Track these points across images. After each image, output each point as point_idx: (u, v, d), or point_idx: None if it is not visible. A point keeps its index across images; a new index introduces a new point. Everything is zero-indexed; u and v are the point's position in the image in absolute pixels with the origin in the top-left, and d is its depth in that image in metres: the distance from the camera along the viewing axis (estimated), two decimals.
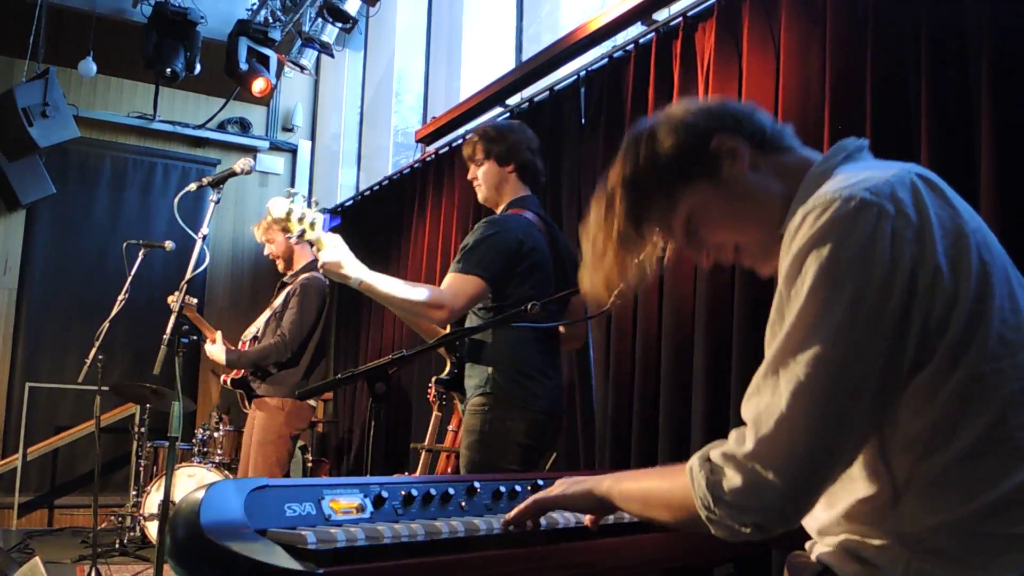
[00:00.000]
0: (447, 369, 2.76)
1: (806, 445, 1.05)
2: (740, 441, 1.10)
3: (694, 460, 1.16)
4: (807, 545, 1.26)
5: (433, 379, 2.77)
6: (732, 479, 1.08)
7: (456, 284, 2.48)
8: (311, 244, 2.48)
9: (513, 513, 1.37)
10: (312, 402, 4.52)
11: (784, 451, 1.05)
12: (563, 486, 1.38)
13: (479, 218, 4.79)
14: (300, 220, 2.45)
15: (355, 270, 2.40)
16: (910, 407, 1.09)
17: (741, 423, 1.13)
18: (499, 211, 2.81)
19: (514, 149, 2.75)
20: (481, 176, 2.81)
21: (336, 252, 2.40)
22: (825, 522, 1.19)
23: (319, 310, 4.49)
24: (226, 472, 5.19)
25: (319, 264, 2.45)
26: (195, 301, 4.64)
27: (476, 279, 2.48)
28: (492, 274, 2.51)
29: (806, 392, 1.05)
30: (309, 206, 2.48)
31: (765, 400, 1.09)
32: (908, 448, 1.09)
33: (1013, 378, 1.08)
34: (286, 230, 2.51)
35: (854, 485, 1.15)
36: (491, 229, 2.59)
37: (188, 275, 3.02)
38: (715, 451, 1.13)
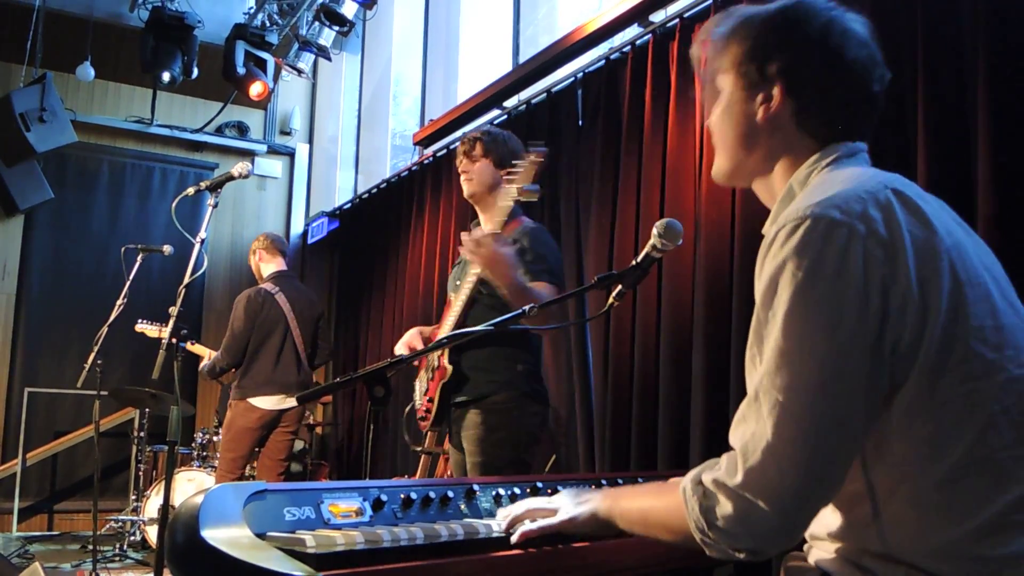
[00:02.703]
0: (450, 374, 2.75)
1: (795, 474, 1.04)
2: (731, 470, 1.09)
3: (687, 482, 1.15)
4: (805, 548, 1.26)
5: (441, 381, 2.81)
6: (724, 507, 1.09)
7: (552, 293, 2.58)
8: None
9: (517, 536, 1.36)
10: (259, 402, 4.67)
11: (773, 481, 1.05)
12: (567, 506, 1.38)
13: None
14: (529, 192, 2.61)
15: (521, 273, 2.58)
16: (891, 429, 1.08)
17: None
18: (485, 212, 2.86)
19: (513, 157, 2.81)
20: (475, 171, 2.85)
21: (510, 252, 2.55)
22: (816, 531, 1.19)
23: (250, 317, 4.76)
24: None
25: (481, 249, 2.52)
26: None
27: (557, 288, 2.65)
28: (560, 281, 2.73)
29: (791, 420, 1.05)
30: None
31: (751, 428, 1.08)
32: (894, 469, 1.08)
33: (992, 399, 1.06)
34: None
35: (837, 503, 1.14)
36: (549, 240, 2.81)
37: (186, 279, 3.02)
38: (707, 475, 1.13)
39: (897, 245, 1.07)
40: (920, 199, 1.15)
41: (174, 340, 2.97)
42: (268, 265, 5.02)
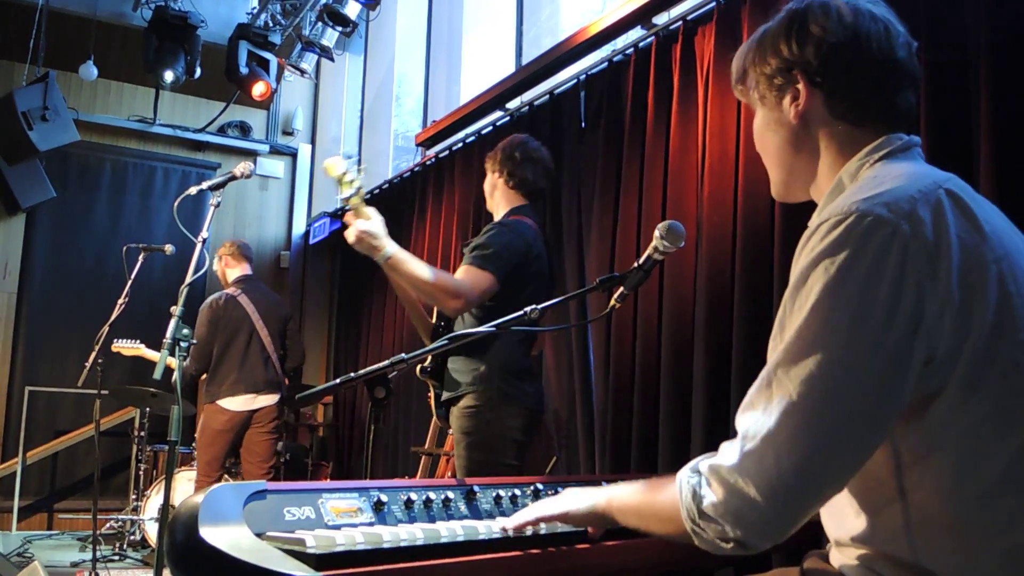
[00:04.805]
0: (428, 359, 2.77)
1: (791, 466, 1.02)
2: (729, 453, 1.08)
3: (684, 471, 1.15)
4: (826, 547, 1.23)
5: (417, 368, 2.79)
6: (715, 493, 1.07)
7: (472, 277, 2.55)
8: (347, 212, 2.54)
9: (514, 523, 1.36)
10: (227, 403, 4.73)
11: (769, 469, 1.03)
12: (566, 500, 1.37)
13: (478, 221, 4.81)
14: (351, 183, 2.50)
15: (390, 244, 2.49)
16: (928, 438, 1.05)
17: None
18: (496, 216, 2.87)
19: (506, 159, 2.85)
20: (485, 186, 2.94)
21: (375, 224, 2.48)
22: (840, 536, 1.16)
23: (212, 322, 4.81)
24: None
25: (354, 234, 2.47)
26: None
27: (490, 276, 2.55)
28: (502, 274, 2.58)
29: (796, 412, 1.03)
30: (358, 172, 2.55)
31: (758, 415, 1.07)
32: (929, 479, 1.06)
33: None
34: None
35: (867, 508, 1.12)
36: (504, 232, 2.66)
37: (188, 279, 3.01)
38: (704, 463, 1.12)
39: (943, 250, 1.03)
40: (974, 202, 1.11)
41: (176, 340, 2.96)
42: (233, 270, 5.08)
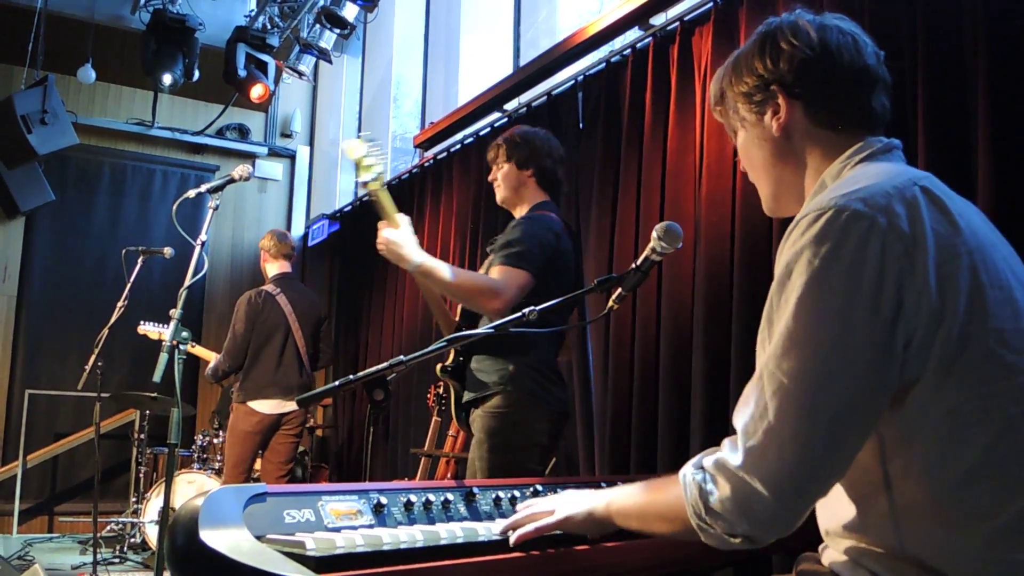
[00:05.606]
0: (451, 358, 2.71)
1: (794, 457, 1.05)
2: (731, 450, 1.10)
3: (687, 467, 1.17)
4: (820, 548, 1.25)
5: (438, 367, 2.74)
6: (722, 489, 1.09)
7: (508, 275, 2.51)
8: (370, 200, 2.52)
9: (515, 538, 1.36)
10: (259, 406, 4.70)
11: (772, 463, 1.06)
12: (564, 506, 1.38)
13: (478, 222, 4.81)
14: (369, 168, 2.50)
15: (417, 254, 2.46)
16: (908, 425, 1.08)
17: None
18: (517, 212, 2.82)
19: (535, 154, 2.79)
20: (500, 178, 2.84)
21: (402, 234, 2.46)
22: (831, 527, 1.19)
23: (250, 319, 4.79)
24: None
25: (379, 240, 2.46)
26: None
27: (524, 273, 2.51)
28: (537, 268, 2.54)
29: (793, 404, 1.05)
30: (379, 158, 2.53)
31: (754, 410, 1.09)
32: (911, 466, 1.08)
33: (1011, 401, 1.06)
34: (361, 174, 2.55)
35: (855, 496, 1.14)
36: (533, 226, 2.63)
37: (187, 282, 3.02)
38: (708, 459, 1.14)
39: (919, 241, 1.07)
40: (948, 198, 1.15)
41: (175, 343, 2.96)
42: (272, 266, 5.04)
